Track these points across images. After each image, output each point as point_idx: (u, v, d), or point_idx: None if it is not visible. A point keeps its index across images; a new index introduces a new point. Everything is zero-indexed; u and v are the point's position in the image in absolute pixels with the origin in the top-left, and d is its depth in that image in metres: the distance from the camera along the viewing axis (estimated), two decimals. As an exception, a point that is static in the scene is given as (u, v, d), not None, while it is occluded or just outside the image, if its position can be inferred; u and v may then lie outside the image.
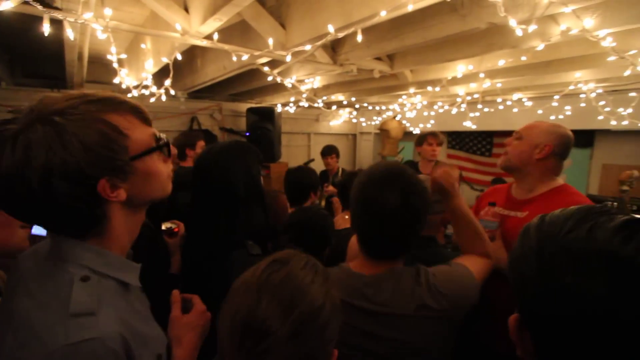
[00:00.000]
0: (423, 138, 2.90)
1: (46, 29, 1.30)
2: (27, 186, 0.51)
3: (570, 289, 0.39)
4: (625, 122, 2.78)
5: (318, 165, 4.27)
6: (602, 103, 2.77)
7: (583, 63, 2.37)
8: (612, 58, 1.63)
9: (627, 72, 1.87)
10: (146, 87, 2.62)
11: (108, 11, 1.40)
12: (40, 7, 1.25)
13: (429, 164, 2.83)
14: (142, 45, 2.41)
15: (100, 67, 3.50)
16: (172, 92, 2.47)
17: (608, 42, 1.49)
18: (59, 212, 0.55)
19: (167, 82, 1.97)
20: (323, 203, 2.86)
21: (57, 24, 1.52)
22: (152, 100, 2.46)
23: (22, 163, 0.51)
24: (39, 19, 1.35)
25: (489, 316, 1.16)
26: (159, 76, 2.47)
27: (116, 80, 2.44)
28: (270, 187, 4.29)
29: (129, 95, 2.77)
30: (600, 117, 2.83)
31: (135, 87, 2.76)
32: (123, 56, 2.05)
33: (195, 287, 1.11)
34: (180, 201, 1.29)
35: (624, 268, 0.36)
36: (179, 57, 1.93)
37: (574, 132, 4.46)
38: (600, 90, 2.86)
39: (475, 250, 1.03)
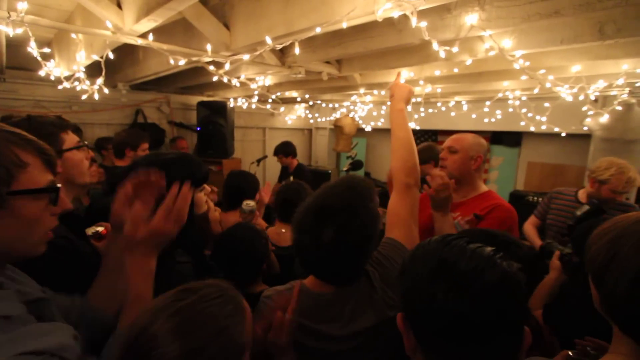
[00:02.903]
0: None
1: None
2: None
3: (416, 279, 0.57)
4: (543, 127, 3.15)
5: (273, 162, 4.27)
6: (524, 110, 3.11)
7: (507, 75, 2.64)
8: (524, 77, 1.84)
9: (536, 90, 2.12)
10: (79, 80, 2.42)
11: (22, 5, 1.28)
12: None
13: None
14: (73, 35, 2.21)
15: (26, 51, 3.14)
16: (106, 90, 2.30)
17: (519, 65, 1.68)
18: None
19: (100, 81, 1.85)
20: None
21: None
22: (84, 97, 2.28)
23: None
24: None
25: None
26: (96, 65, 2.29)
27: (42, 72, 2.24)
28: (222, 184, 4.19)
29: (60, 87, 2.55)
30: (523, 123, 3.17)
31: (67, 79, 2.53)
32: (47, 50, 1.87)
33: None
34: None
35: (439, 263, 0.54)
36: (111, 56, 1.81)
37: (504, 133, 4.87)
38: (524, 98, 3.20)
39: (401, 178, 1.04)
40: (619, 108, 2.71)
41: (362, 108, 4.81)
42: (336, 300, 0.85)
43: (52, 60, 2.39)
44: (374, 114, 4.84)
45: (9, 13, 1.24)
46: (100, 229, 1.18)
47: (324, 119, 5.78)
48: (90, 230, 1.17)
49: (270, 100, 3.94)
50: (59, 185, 0.63)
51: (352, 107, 5.01)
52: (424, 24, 1.31)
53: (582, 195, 2.15)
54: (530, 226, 2.36)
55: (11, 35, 1.33)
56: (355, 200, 0.83)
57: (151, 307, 0.59)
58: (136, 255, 0.72)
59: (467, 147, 1.56)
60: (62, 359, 0.54)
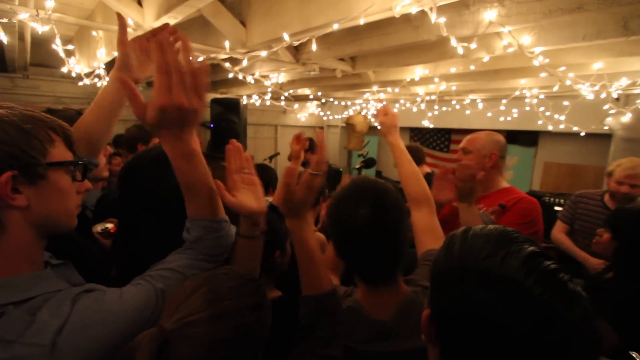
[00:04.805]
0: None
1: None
2: None
3: (479, 303, 0.47)
4: (562, 126, 3.08)
5: (285, 160, 4.30)
6: (541, 109, 3.04)
7: (525, 72, 2.58)
8: (543, 74, 1.80)
9: (556, 88, 2.08)
10: (99, 76, 2.49)
11: (50, 3, 1.32)
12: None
13: None
14: (94, 33, 2.27)
15: (48, 48, 3.24)
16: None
17: (538, 62, 1.65)
18: None
19: (120, 77, 1.89)
20: None
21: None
22: (105, 93, 2.34)
23: None
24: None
25: None
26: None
27: (65, 69, 2.31)
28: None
29: (80, 83, 2.62)
30: (540, 122, 3.10)
31: (87, 76, 2.61)
32: (70, 47, 1.93)
33: None
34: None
35: (523, 295, 0.45)
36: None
37: (520, 132, 4.78)
38: (542, 96, 3.13)
39: (417, 196, 1.12)
40: (642, 107, 2.62)
41: (374, 106, 4.78)
42: (394, 326, 0.83)
43: (72, 58, 2.47)
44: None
45: (37, 11, 1.29)
46: (109, 225, 1.19)
47: (335, 117, 5.78)
48: (99, 227, 1.18)
49: (282, 98, 3.96)
50: (85, 159, 0.66)
51: (364, 105, 4.99)
52: (442, 20, 1.30)
53: (608, 198, 2.08)
54: (561, 234, 2.23)
55: (40, 32, 1.38)
56: (379, 184, 0.87)
57: (196, 278, 0.64)
58: (166, 139, 0.67)
59: (479, 147, 1.59)
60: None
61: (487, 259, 0.48)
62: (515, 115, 3.63)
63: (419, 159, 2.59)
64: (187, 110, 0.62)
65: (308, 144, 1.33)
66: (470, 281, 0.48)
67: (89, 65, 2.67)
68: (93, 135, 0.83)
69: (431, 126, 3.96)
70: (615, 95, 2.40)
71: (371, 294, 0.87)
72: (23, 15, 1.23)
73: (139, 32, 1.69)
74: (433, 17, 1.24)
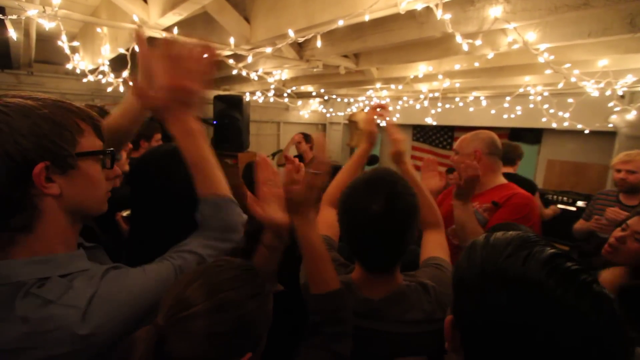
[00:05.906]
0: None
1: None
2: None
3: (501, 306, 0.46)
4: (566, 124, 3.07)
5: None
6: (545, 106, 3.03)
7: (530, 70, 2.57)
8: (548, 71, 1.79)
9: (561, 85, 2.07)
10: (103, 73, 2.50)
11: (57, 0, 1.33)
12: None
13: None
14: (98, 30, 2.28)
15: (52, 45, 3.24)
16: (131, 82, 2.37)
17: (543, 58, 1.64)
18: None
19: (125, 73, 1.90)
20: None
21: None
22: (109, 90, 2.36)
23: None
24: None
25: None
26: (119, 59, 2.35)
27: (69, 66, 2.32)
28: (238, 177, 4.25)
29: (84, 80, 2.64)
30: (544, 119, 3.09)
31: (92, 72, 2.62)
32: (75, 44, 1.94)
33: None
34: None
35: (545, 296, 0.44)
36: (137, 49, 1.86)
37: (524, 130, 4.74)
38: (546, 94, 3.12)
39: (430, 220, 1.11)
40: (648, 104, 2.61)
41: (377, 103, 4.77)
42: (380, 307, 0.86)
43: (77, 54, 2.47)
44: (390, 109, 4.80)
45: (44, 8, 1.29)
46: None
47: (338, 114, 5.77)
48: (124, 213, 1.26)
49: (285, 95, 3.96)
50: (112, 149, 0.69)
51: (367, 102, 4.98)
52: (447, 16, 1.30)
53: (623, 195, 2.15)
54: (578, 224, 2.39)
55: (47, 29, 1.39)
56: (393, 177, 0.87)
57: (191, 272, 0.65)
58: (171, 120, 0.75)
59: (464, 146, 1.63)
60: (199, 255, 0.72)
61: (508, 260, 0.48)
62: (519, 113, 3.62)
63: (510, 160, 2.49)
64: (190, 91, 0.72)
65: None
66: (492, 284, 0.48)
67: (93, 62, 2.67)
68: (117, 134, 0.88)
69: (434, 123, 3.95)
70: (620, 93, 2.39)
71: (366, 278, 0.90)
72: (32, 12, 1.24)
73: (144, 29, 1.69)
74: (439, 13, 1.24)
